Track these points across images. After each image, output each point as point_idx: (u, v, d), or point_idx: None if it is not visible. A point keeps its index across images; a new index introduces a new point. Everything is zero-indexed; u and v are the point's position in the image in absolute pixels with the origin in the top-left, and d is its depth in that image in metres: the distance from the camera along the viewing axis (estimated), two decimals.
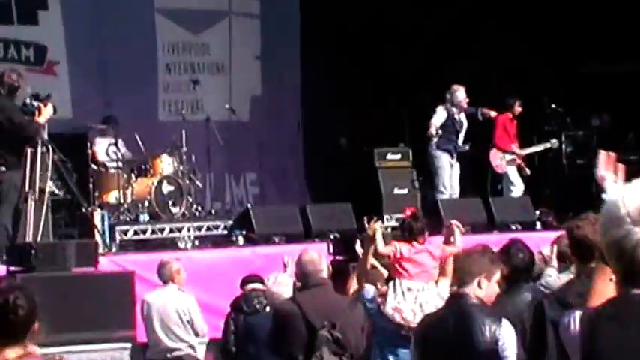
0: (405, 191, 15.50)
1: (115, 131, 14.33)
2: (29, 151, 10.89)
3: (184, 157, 14.35)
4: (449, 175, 14.98)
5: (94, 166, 13.98)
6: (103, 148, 14.26)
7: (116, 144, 14.09)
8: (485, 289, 5.82)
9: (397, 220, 14.93)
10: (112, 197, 13.89)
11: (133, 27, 16.72)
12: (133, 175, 14.03)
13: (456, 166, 15.08)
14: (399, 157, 15.98)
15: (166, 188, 13.98)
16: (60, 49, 16.08)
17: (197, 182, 14.58)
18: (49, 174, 11.17)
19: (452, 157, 14.99)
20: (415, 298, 8.27)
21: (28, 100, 11.09)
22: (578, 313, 3.33)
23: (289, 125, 18.20)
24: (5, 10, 15.62)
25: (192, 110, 16.53)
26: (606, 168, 3.69)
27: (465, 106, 14.90)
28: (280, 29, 18.36)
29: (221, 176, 17.33)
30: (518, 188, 15.45)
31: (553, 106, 16.21)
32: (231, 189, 17.72)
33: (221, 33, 17.76)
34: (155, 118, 16.91)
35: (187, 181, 14.30)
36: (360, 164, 16.29)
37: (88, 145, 13.98)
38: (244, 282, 9.45)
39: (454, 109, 14.87)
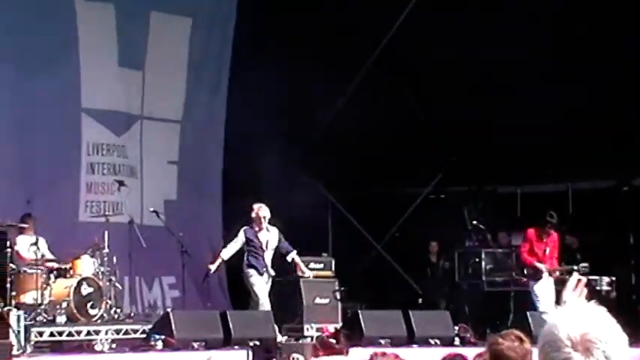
0: (327, 301, 15.47)
1: (34, 230, 14.15)
2: None
3: (105, 259, 14.19)
4: (264, 291, 14.46)
5: (12, 265, 13.73)
6: (24, 246, 14.05)
7: (36, 243, 13.89)
8: None
9: (318, 329, 14.92)
10: (29, 297, 13.62)
11: (57, 125, 16.63)
12: (52, 276, 13.81)
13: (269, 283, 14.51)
14: (321, 266, 15.98)
15: (86, 290, 13.77)
16: None
17: (117, 284, 14.41)
18: None
19: (260, 274, 14.45)
20: None
21: None
22: None
23: (210, 231, 18.14)
24: None
25: (114, 211, 16.41)
26: (573, 293, 3.70)
27: (263, 225, 14.39)
28: (201, 136, 18.36)
29: (141, 279, 17.16)
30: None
31: (474, 222, 16.40)
32: (150, 292, 17.53)
33: (134, 137, 17.74)
34: (76, 218, 16.74)
35: (107, 283, 14.12)
36: (282, 272, 16.24)
37: (7, 243, 13.74)
38: None
39: (256, 228, 14.61)
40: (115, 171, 17.26)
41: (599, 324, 3.18)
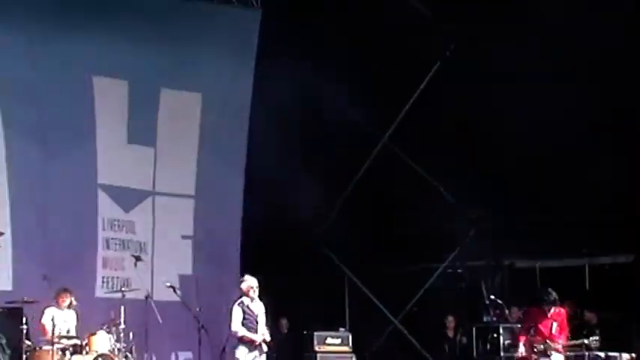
0: None
1: (70, 304, 14.23)
2: None
3: (122, 335, 14.14)
4: None
5: (27, 342, 13.69)
6: (49, 319, 14.03)
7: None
8: None
9: None
10: None
11: (76, 200, 16.71)
12: (67, 353, 13.75)
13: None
14: (338, 341, 15.92)
15: None
16: (4, 220, 15.99)
17: None
18: None
19: (250, 351, 14.19)
20: None
21: None
22: None
23: (230, 303, 18.06)
24: None
25: (129, 287, 16.37)
26: None
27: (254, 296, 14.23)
28: (218, 211, 18.35)
29: (157, 354, 17.05)
30: None
31: (492, 297, 16.31)
32: None
33: (145, 212, 17.74)
34: (93, 293, 16.72)
35: (124, 359, 14.04)
36: (300, 347, 16.18)
37: (23, 319, 13.73)
38: None
39: (248, 300, 14.50)
40: (124, 246, 17.28)
41: None
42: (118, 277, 16.85)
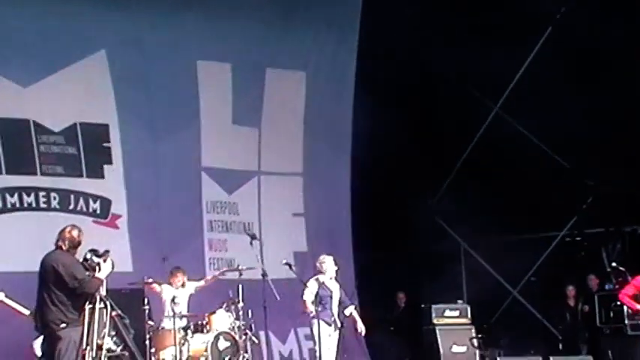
0: (464, 349, 15.28)
1: (183, 283, 14.39)
2: (87, 307, 10.83)
3: (241, 312, 14.25)
4: (326, 342, 14.19)
5: (150, 322, 13.91)
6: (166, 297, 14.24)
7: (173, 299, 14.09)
8: None
9: None
10: (168, 354, 13.75)
11: (183, 185, 16.95)
12: (189, 332, 13.92)
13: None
14: (457, 313, 15.81)
15: (222, 344, 13.85)
16: (122, 203, 16.30)
17: (253, 338, 14.42)
18: (107, 330, 11.07)
19: (329, 325, 14.23)
20: None
21: (88, 256, 11.08)
22: None
23: (344, 281, 18.06)
24: (75, 163, 15.96)
25: (247, 266, 16.48)
26: None
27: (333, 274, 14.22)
28: (327, 187, 18.36)
29: (275, 331, 17.16)
30: None
31: (614, 264, 15.99)
32: (284, 345, 17.53)
33: (250, 193, 17.81)
34: (203, 274, 16.87)
35: (243, 337, 14.15)
36: (418, 321, 16.11)
37: (145, 300, 13.94)
38: None
39: (323, 278, 14.40)
40: (227, 228, 17.41)
41: None
42: (222, 259, 17.01)
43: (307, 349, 17.40)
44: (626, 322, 16.20)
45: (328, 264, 14.48)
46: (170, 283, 14.51)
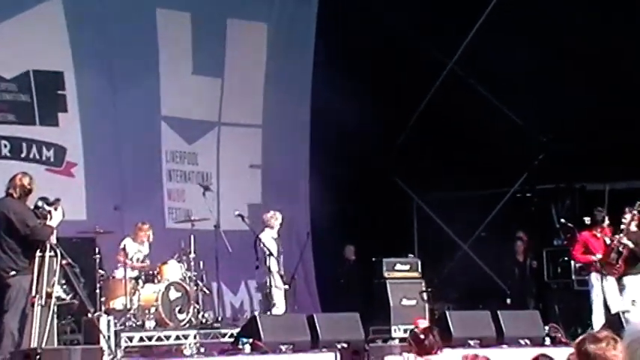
0: (414, 302, 15.42)
1: (147, 238, 14.44)
2: (38, 255, 10.83)
3: (192, 264, 14.30)
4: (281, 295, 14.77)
5: (101, 271, 13.93)
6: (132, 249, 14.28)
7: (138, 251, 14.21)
8: None
9: (405, 330, 14.87)
10: (118, 303, 13.79)
11: (141, 134, 16.88)
12: (140, 281, 13.95)
13: None
14: (407, 267, 15.93)
15: (173, 294, 13.90)
16: (78, 151, 16.24)
17: (204, 289, 14.49)
18: (57, 278, 11.08)
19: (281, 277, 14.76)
20: None
21: (39, 204, 11.06)
22: None
23: (297, 234, 18.16)
24: (28, 111, 15.86)
25: (200, 217, 16.52)
26: None
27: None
28: (285, 139, 18.40)
29: (228, 283, 17.25)
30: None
31: (562, 220, 16.18)
32: (236, 296, 17.62)
33: (209, 143, 17.82)
34: (162, 224, 16.90)
35: (195, 288, 14.21)
36: (369, 274, 16.24)
37: (96, 250, 13.95)
38: None
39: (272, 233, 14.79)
40: (186, 178, 17.41)
41: None
42: (180, 209, 17.01)
43: (257, 301, 17.51)
44: (573, 277, 16.46)
45: (279, 220, 14.66)
46: (134, 236, 14.46)
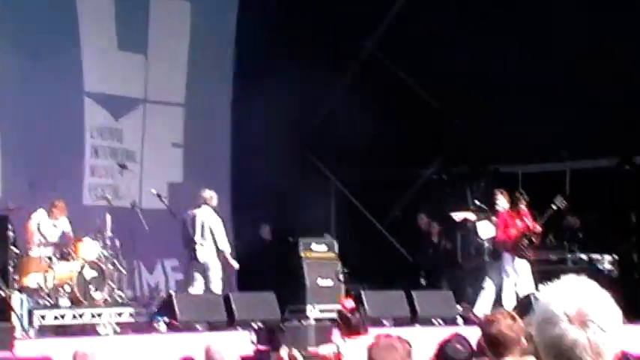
0: (329, 282, 15.52)
1: (64, 214, 14.30)
2: None
3: (108, 242, 14.22)
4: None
5: (15, 249, 13.76)
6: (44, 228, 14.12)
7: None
8: None
9: (321, 310, 14.98)
10: (32, 281, 13.64)
11: (61, 109, 16.68)
12: (55, 259, 13.83)
13: None
14: (324, 247, 16.02)
15: (89, 273, 13.80)
16: None
17: (120, 267, 14.42)
18: None
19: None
20: None
21: None
22: None
23: (220, 214, 18.16)
24: None
25: (117, 195, 16.44)
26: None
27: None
28: (207, 117, 18.40)
29: (144, 262, 17.19)
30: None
31: (476, 202, 16.40)
32: (152, 275, 17.57)
33: (135, 120, 17.76)
34: (80, 201, 16.77)
35: (110, 266, 14.14)
36: (285, 254, 16.30)
37: (9, 227, 13.77)
38: None
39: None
40: (113, 155, 17.30)
41: (594, 298, 3.21)
42: (106, 186, 16.88)
43: (174, 281, 17.48)
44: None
45: (215, 198, 14.68)
46: (49, 213, 14.29)
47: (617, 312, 3.25)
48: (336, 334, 9.30)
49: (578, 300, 3.20)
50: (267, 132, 17.72)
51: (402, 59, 18.49)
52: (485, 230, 15.31)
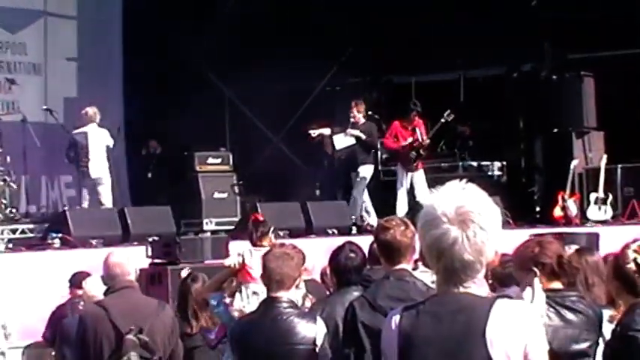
0: (225, 195, 15.57)
1: None
2: None
3: None
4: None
5: None
6: None
7: None
8: (295, 291, 5.97)
9: (217, 223, 15.04)
10: None
11: None
12: None
13: None
14: (219, 160, 16.03)
15: None
16: None
17: (12, 184, 14.24)
18: None
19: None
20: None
21: None
22: (399, 310, 3.45)
23: (109, 128, 18.00)
24: None
25: (7, 110, 16.17)
26: None
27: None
28: (99, 31, 18.16)
29: (37, 178, 16.99)
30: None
31: (370, 113, 16.52)
32: (47, 191, 17.39)
33: (36, 33, 17.45)
34: None
35: (1, 183, 13.96)
36: (180, 167, 16.26)
37: None
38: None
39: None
40: (10, 69, 16.96)
41: (473, 199, 3.34)
42: (6, 101, 16.63)
43: (67, 197, 17.33)
44: (380, 168, 16.94)
45: (98, 114, 14.57)
46: None
47: (496, 213, 3.38)
48: (239, 245, 9.47)
49: (458, 202, 3.33)
50: (158, 45, 17.57)
51: None
52: (340, 141, 15.52)
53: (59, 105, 17.17)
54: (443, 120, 15.28)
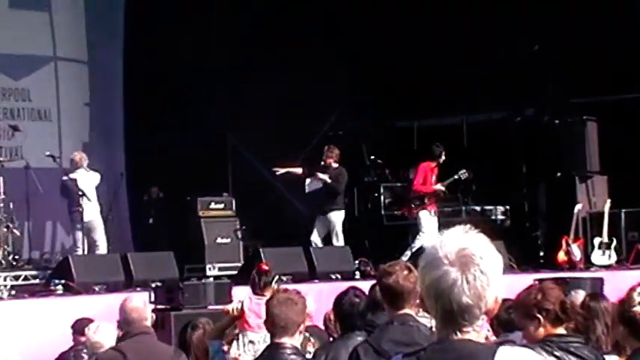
0: (228, 240, 15.56)
1: None
2: None
3: (2, 205, 14.01)
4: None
5: None
6: None
7: None
8: (299, 337, 5.93)
9: (220, 269, 15.02)
10: None
11: None
12: None
13: None
14: (222, 206, 16.04)
15: None
16: None
17: (15, 230, 14.23)
18: None
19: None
20: (255, 351, 8.35)
21: None
22: (399, 357, 3.41)
23: (113, 173, 18.02)
24: None
25: (11, 157, 16.21)
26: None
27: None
28: (105, 75, 18.27)
29: (40, 224, 16.98)
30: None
31: (372, 157, 16.56)
32: (52, 237, 17.39)
33: (45, 78, 17.52)
34: None
35: (4, 229, 13.95)
36: (183, 213, 16.26)
37: None
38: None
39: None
40: (14, 116, 17.01)
41: (475, 243, 3.32)
42: (9, 147, 16.69)
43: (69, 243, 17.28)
44: (383, 212, 16.91)
45: (85, 158, 14.65)
46: None
47: (499, 260, 3.36)
48: (242, 290, 9.50)
49: (460, 244, 3.31)
50: (159, 87, 17.64)
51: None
52: (309, 185, 15.54)
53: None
54: (457, 177, 15.22)
